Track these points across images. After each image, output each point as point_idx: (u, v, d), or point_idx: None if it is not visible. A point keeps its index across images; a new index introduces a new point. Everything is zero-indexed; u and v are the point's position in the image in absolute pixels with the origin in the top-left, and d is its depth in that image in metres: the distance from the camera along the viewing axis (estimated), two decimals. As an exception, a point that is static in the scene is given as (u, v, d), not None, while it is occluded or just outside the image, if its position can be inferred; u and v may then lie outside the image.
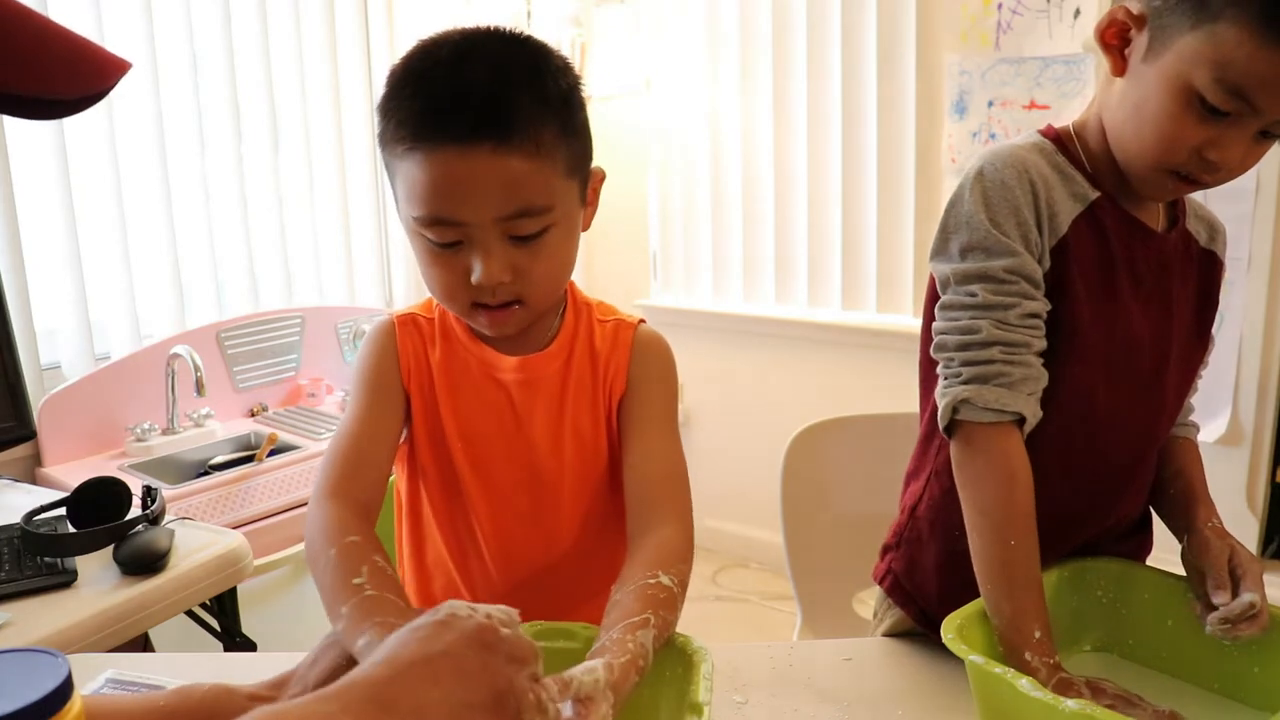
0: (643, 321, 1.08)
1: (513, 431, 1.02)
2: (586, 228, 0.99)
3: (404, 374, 1.02)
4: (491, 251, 0.89)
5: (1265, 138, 0.87)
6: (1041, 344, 0.92)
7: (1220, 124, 0.85)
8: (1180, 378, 1.03)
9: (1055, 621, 0.97)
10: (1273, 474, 2.32)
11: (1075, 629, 1.01)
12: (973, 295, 0.92)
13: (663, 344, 1.07)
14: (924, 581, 1.09)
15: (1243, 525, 2.33)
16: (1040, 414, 0.93)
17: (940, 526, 1.05)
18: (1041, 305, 0.93)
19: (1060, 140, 0.98)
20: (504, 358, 1.02)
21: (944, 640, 0.86)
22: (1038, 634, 0.87)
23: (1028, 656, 0.87)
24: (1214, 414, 2.31)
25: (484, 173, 0.86)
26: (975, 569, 0.92)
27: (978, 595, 0.94)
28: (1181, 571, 1.00)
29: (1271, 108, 0.83)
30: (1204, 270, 1.02)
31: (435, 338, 1.03)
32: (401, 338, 1.02)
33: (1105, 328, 0.95)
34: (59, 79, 0.59)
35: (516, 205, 0.88)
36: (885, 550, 1.15)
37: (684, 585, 0.89)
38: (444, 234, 0.89)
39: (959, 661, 0.85)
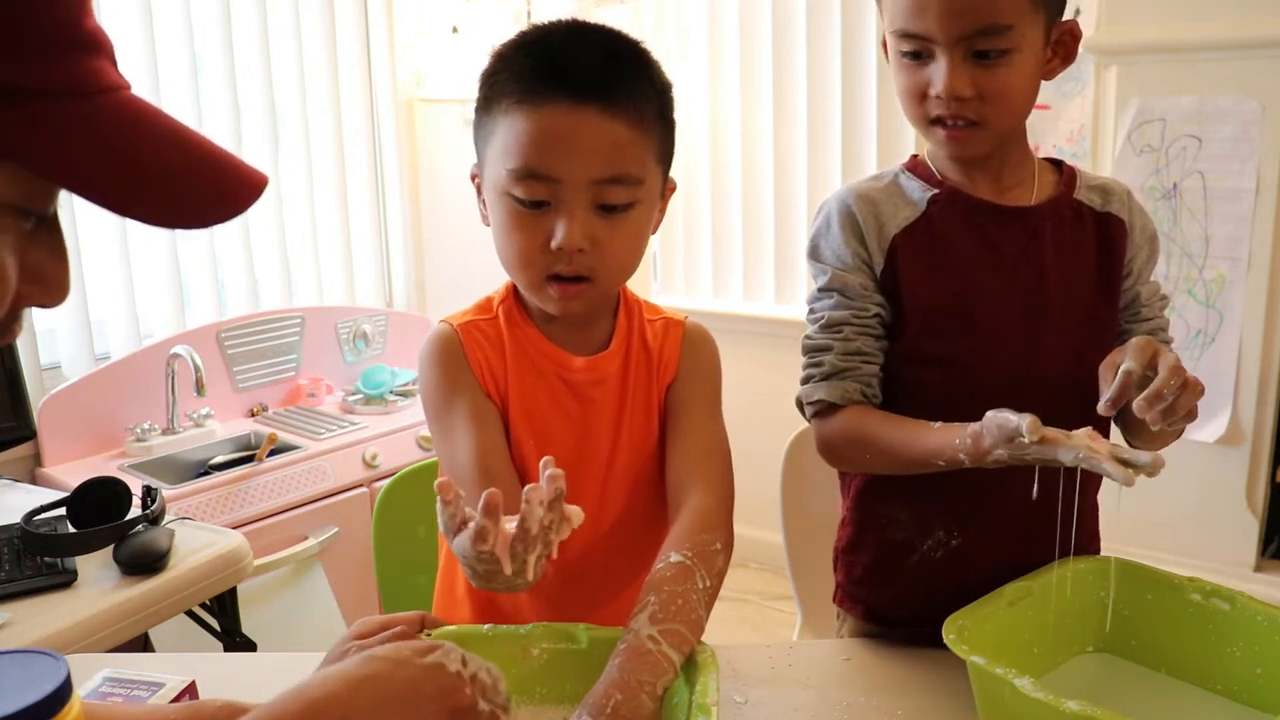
0: (687, 318, 1.11)
1: (582, 430, 1.04)
2: (655, 230, 1.02)
3: (482, 381, 1.02)
4: (576, 215, 0.91)
5: (981, 59, 0.96)
6: (849, 344, 1.04)
7: (925, 64, 0.98)
8: (1076, 322, 1.06)
9: (1055, 621, 0.98)
10: (1273, 474, 2.31)
11: (1075, 629, 1.01)
12: (810, 312, 1.09)
13: (709, 337, 1.12)
14: (864, 578, 1.15)
15: (1243, 525, 2.33)
16: (852, 389, 1.03)
17: (869, 523, 1.13)
18: (856, 310, 1.04)
19: (915, 164, 1.10)
20: (574, 358, 1.04)
21: (945, 641, 0.87)
22: (938, 425, 0.95)
23: (955, 440, 0.90)
24: (1214, 414, 2.31)
25: (589, 132, 0.90)
26: (898, 471, 1.03)
27: (913, 580, 1.09)
28: (1182, 571, 1.00)
29: (939, 33, 0.95)
30: (1102, 230, 1.09)
31: (503, 339, 1.03)
32: (469, 346, 1.02)
33: (954, 295, 1.04)
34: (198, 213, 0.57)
35: (614, 170, 0.91)
36: (835, 572, 1.21)
37: (709, 554, 0.93)
38: (534, 190, 0.91)
39: (959, 661, 0.85)
